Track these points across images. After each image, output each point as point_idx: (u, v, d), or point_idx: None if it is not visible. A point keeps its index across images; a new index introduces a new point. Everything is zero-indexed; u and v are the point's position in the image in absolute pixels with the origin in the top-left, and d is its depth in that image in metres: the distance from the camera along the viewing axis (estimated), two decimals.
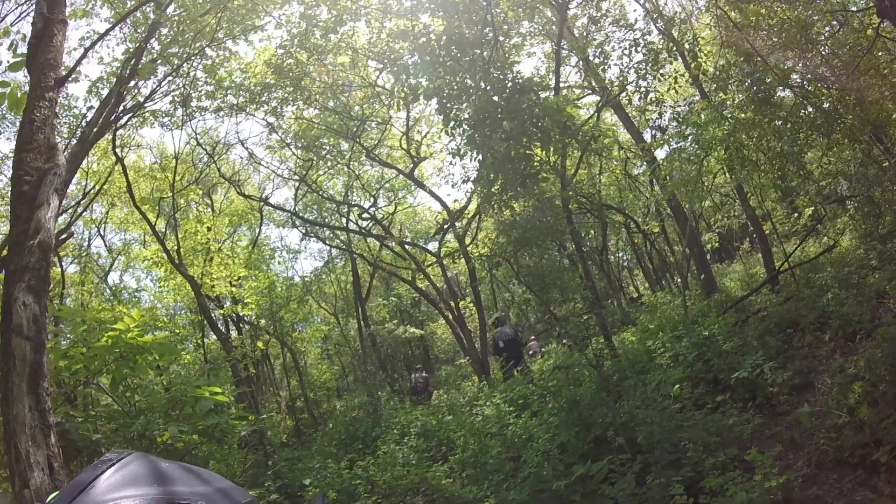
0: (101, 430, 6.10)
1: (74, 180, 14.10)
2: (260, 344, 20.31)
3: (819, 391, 6.78)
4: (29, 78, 4.83)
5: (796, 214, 17.17)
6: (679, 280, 20.34)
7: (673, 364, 9.14)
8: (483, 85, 7.71)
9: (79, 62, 6.51)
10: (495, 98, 7.63)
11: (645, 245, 26.29)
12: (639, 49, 10.00)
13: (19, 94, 5.09)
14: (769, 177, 12.44)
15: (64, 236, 17.99)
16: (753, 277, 15.37)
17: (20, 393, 3.30)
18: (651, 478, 5.50)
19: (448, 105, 7.77)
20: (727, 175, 16.97)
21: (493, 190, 8.31)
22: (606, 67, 11.24)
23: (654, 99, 10.42)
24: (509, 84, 7.76)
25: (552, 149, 8.53)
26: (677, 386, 7.62)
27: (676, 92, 11.70)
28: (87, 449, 6.00)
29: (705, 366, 8.61)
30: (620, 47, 11.19)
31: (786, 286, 11.72)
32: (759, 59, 8.82)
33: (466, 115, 7.79)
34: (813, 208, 15.00)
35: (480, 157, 7.78)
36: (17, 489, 3.14)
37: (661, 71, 10.35)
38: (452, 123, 7.74)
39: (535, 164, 7.95)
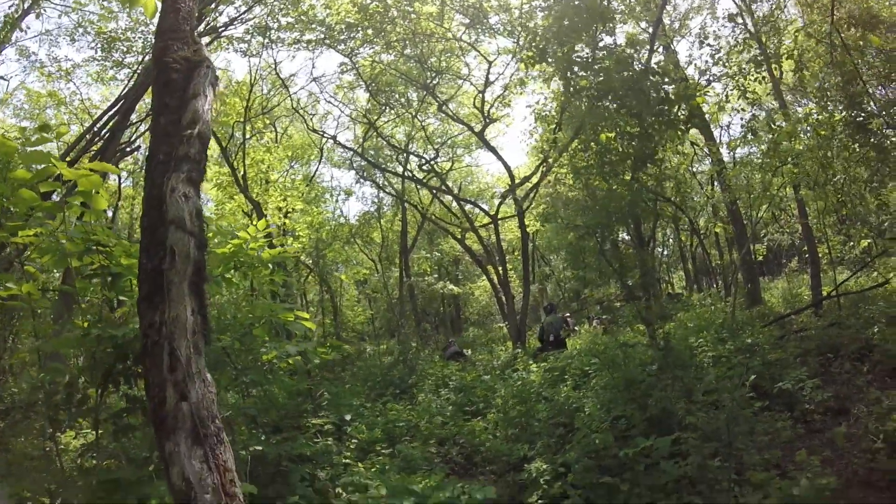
0: None
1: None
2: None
3: (854, 417, 6.92)
4: None
5: (851, 243, 16.97)
6: (722, 284, 20.32)
7: (714, 364, 9.32)
8: (608, 61, 7.75)
9: None
10: (622, 74, 7.67)
11: (691, 244, 26.08)
12: (740, 48, 9.93)
13: None
14: (830, 201, 12.35)
15: (130, 149, 18.47)
16: (797, 297, 15.35)
17: (180, 293, 3.05)
18: (717, 461, 5.78)
19: (574, 71, 7.83)
20: (789, 189, 16.77)
21: (587, 162, 8.41)
22: (697, 58, 11.18)
23: (748, 97, 10.33)
24: (637, 64, 7.82)
25: (671, 135, 8.54)
26: (753, 376, 7.81)
27: (762, 99, 11.60)
28: None
29: (748, 371, 8.78)
30: (716, 42, 11.10)
31: (829, 312, 11.76)
32: (861, 83, 8.75)
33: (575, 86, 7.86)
34: (869, 241, 14.84)
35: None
36: (169, 404, 2.82)
37: (754, 74, 10.26)
38: (572, 90, 7.82)
39: (653, 146, 8.05)
